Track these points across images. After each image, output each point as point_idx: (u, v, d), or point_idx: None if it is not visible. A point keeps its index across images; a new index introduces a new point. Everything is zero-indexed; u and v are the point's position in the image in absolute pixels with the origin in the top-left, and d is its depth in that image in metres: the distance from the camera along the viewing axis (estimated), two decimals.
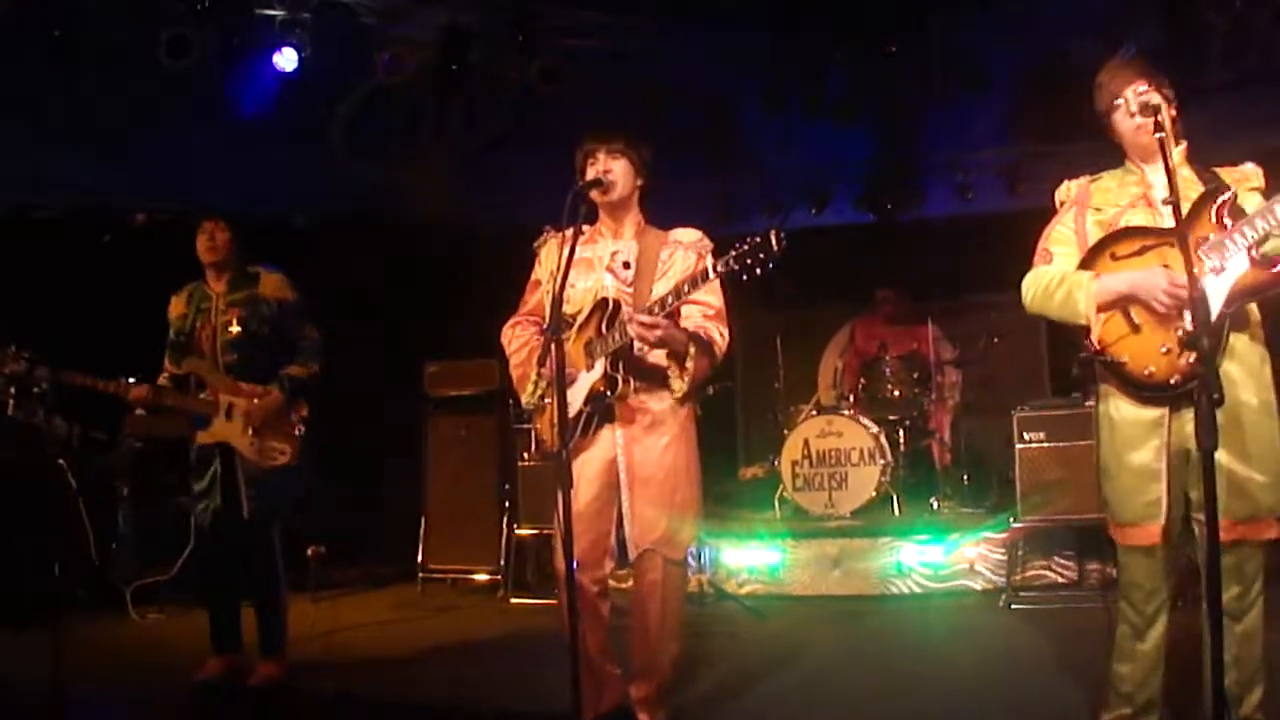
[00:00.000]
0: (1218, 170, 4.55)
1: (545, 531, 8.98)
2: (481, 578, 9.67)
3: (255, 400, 6.70)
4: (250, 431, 6.67)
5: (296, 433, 6.87)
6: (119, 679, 7.06)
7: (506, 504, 9.52)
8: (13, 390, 6.71)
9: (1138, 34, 8.74)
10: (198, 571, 7.63)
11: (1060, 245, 4.72)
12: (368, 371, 10.29)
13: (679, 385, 5.15)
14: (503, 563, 9.48)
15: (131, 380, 6.63)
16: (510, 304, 5.67)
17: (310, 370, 6.93)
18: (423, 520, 9.90)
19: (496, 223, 10.82)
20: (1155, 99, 4.36)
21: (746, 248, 4.57)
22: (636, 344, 5.09)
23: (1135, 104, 4.47)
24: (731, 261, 4.62)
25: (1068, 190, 4.83)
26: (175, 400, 6.74)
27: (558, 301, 4.66)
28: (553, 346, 4.55)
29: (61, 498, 8.60)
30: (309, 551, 9.75)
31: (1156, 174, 4.49)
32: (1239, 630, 4.35)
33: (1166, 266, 4.30)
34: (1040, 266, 4.72)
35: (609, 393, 5.16)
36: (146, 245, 6.55)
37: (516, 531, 9.43)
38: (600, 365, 5.16)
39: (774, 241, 4.50)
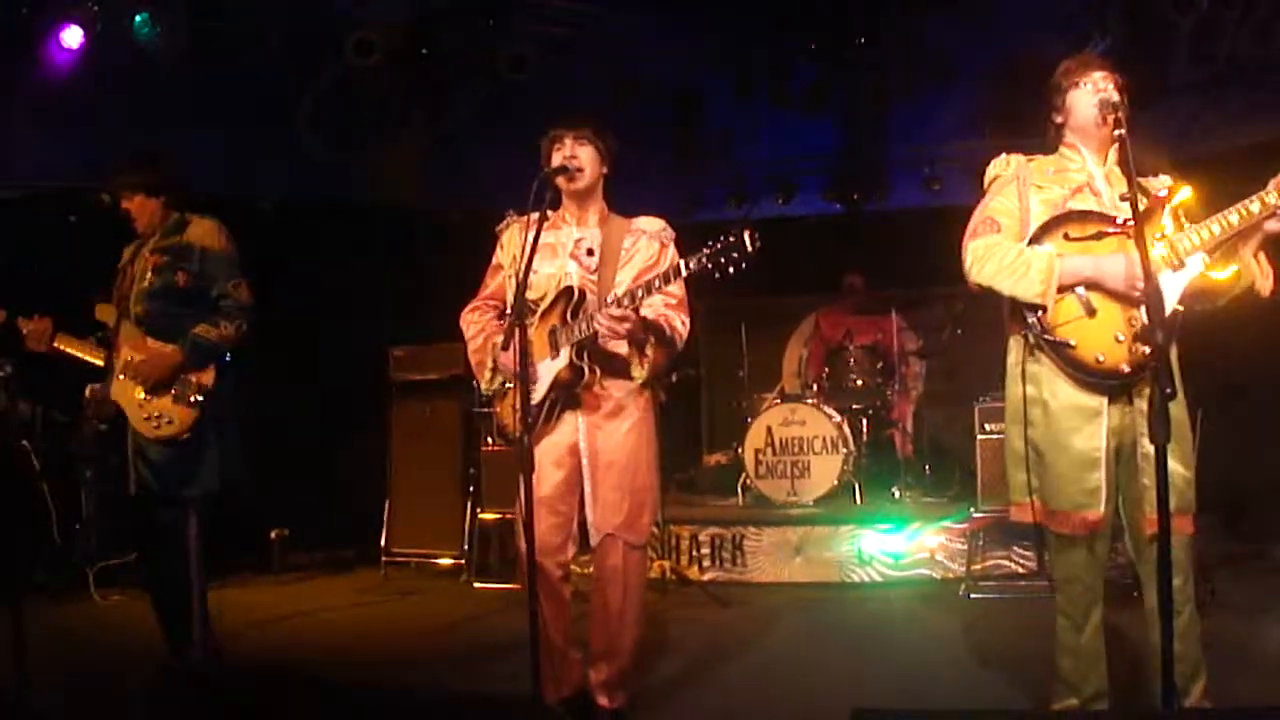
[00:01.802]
0: (1141, 180, 4.59)
1: (508, 516, 8.95)
2: (445, 562, 9.66)
3: (147, 357, 5.97)
4: (142, 394, 5.95)
5: (193, 401, 5.94)
6: (82, 660, 7.03)
7: (470, 488, 9.52)
8: None
9: (1103, 32, 8.80)
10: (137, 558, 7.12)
11: (1006, 218, 4.65)
12: (333, 355, 10.28)
13: (639, 373, 5.20)
14: (466, 547, 9.49)
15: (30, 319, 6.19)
16: (476, 289, 5.68)
17: (223, 333, 6.00)
18: (386, 504, 9.90)
19: (463, 208, 10.83)
20: (1116, 97, 4.41)
21: (720, 246, 4.59)
22: (601, 334, 5.13)
23: (1098, 96, 4.50)
24: (704, 259, 4.65)
25: (1005, 164, 4.79)
26: (69, 344, 6.18)
27: (522, 287, 4.71)
28: (516, 331, 4.58)
29: (24, 480, 8.57)
30: (272, 534, 9.76)
31: (1098, 165, 4.55)
32: (1179, 623, 4.37)
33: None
34: (989, 235, 4.63)
35: (575, 382, 5.19)
36: (113, 226, 6.37)
37: (480, 516, 9.44)
38: (565, 354, 5.17)
39: (747, 241, 4.53)
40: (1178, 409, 4.44)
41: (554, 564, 5.29)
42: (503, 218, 5.57)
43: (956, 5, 9.89)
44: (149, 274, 6.06)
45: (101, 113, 8.95)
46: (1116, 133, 4.22)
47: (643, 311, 5.07)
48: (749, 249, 4.53)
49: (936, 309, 10.89)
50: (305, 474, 10.06)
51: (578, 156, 5.28)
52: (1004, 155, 4.85)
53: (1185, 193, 4.55)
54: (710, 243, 4.63)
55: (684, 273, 4.79)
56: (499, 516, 9.28)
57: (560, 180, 5.24)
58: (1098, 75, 4.58)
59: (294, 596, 8.96)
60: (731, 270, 4.58)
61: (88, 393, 6.20)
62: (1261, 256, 4.39)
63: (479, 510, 9.46)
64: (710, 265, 4.62)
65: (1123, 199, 4.27)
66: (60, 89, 8.80)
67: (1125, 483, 4.50)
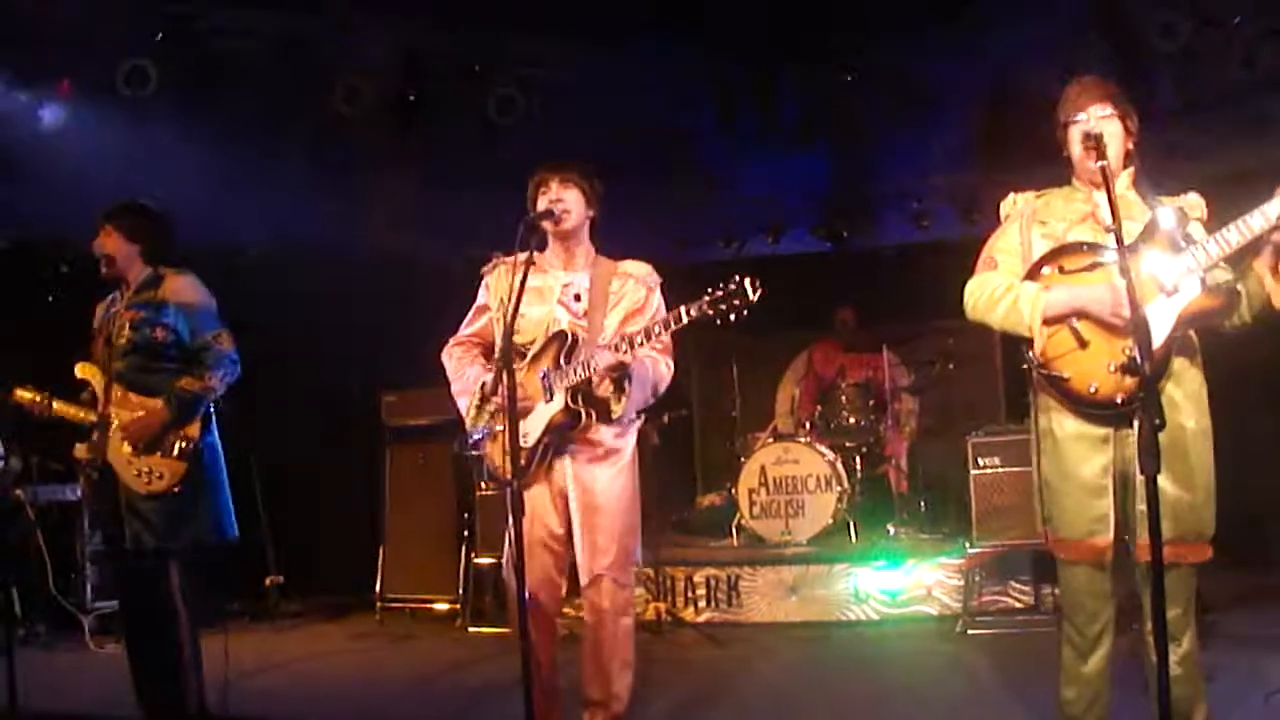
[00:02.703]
0: (1163, 198, 4.61)
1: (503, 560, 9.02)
2: (440, 607, 9.64)
3: (135, 414, 5.93)
4: (128, 449, 5.87)
5: (179, 454, 5.89)
6: (76, 709, 7.01)
7: (465, 533, 9.50)
8: None
9: (1089, 61, 8.82)
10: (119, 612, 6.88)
11: (1006, 255, 4.73)
12: (325, 401, 10.28)
13: (618, 409, 5.25)
14: (461, 592, 9.46)
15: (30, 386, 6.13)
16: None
17: (207, 384, 5.95)
18: (381, 549, 9.87)
19: (454, 253, 10.84)
20: (1096, 129, 4.41)
21: (721, 293, 4.68)
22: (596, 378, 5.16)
23: (1082, 129, 4.52)
24: (705, 306, 4.73)
25: (1013, 203, 4.84)
26: (65, 410, 6.10)
27: (509, 330, 4.73)
28: (504, 375, 4.58)
29: (19, 530, 8.55)
30: (267, 581, 9.73)
31: (1102, 194, 4.52)
32: (1181, 651, 4.38)
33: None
34: (985, 273, 4.73)
35: (571, 425, 5.23)
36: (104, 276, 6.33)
37: (475, 560, 9.42)
38: (560, 398, 5.22)
39: (749, 287, 4.64)
40: (1192, 434, 4.45)
41: (550, 599, 5.38)
42: (489, 260, 5.58)
43: (942, 39, 9.92)
44: (126, 331, 6.00)
45: (92, 161, 8.96)
46: (1099, 164, 4.21)
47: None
48: (750, 296, 4.64)
49: (928, 344, 10.89)
50: (300, 520, 10.04)
51: (563, 200, 5.32)
52: (1012, 194, 4.89)
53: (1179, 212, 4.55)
54: (711, 289, 4.72)
55: (685, 320, 4.85)
56: (494, 560, 9.25)
57: (546, 224, 5.26)
58: (1093, 108, 4.59)
59: (289, 643, 8.94)
60: (733, 317, 4.68)
61: (78, 451, 6.08)
62: None
63: (474, 554, 9.43)
64: (711, 312, 4.72)
65: (1107, 230, 4.26)
66: (51, 137, 8.82)
67: (1128, 510, 4.48)
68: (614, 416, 5.28)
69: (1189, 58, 8.73)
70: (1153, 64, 8.80)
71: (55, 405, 6.18)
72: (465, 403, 5.52)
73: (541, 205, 5.31)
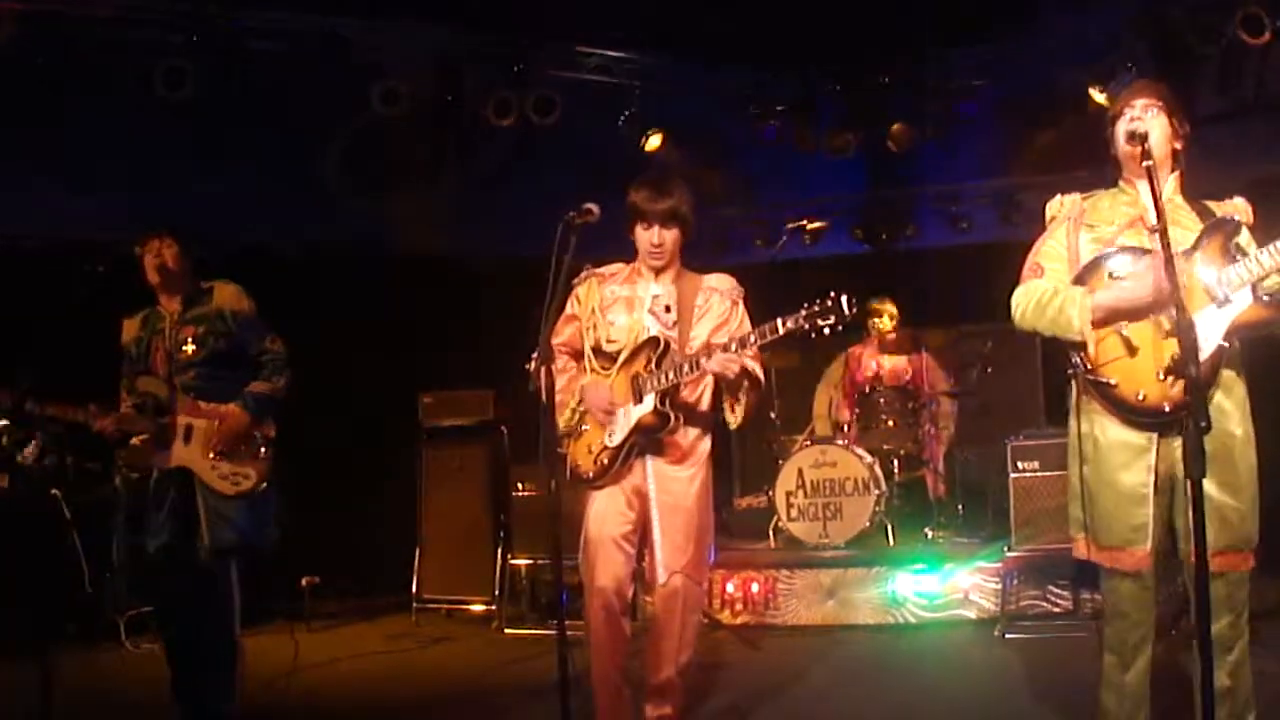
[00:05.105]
0: (1209, 203, 4.55)
1: (539, 561, 9.13)
2: (476, 608, 9.63)
3: (216, 422, 6.09)
4: (212, 455, 6.05)
5: (262, 454, 6.20)
6: (111, 709, 7.04)
7: (501, 534, 9.50)
8: (3, 439, 6.44)
9: (1130, 65, 8.78)
10: (156, 612, 7.13)
11: (1052, 260, 4.67)
12: (363, 402, 10.30)
13: (733, 419, 5.45)
14: (497, 593, 9.46)
15: (95, 407, 6.10)
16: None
17: (275, 386, 6.27)
18: (417, 550, 9.88)
19: (492, 255, 10.85)
20: (1142, 127, 4.35)
21: (817, 308, 4.80)
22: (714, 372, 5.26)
23: (1129, 126, 4.46)
24: (801, 320, 4.85)
25: (1060, 205, 4.78)
26: (142, 427, 6.14)
27: (549, 331, 4.83)
28: (543, 372, 4.76)
29: (56, 530, 8.57)
30: (303, 582, 9.72)
31: (1147, 189, 4.47)
32: (1231, 660, 4.32)
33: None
34: (1032, 280, 4.67)
35: (659, 427, 5.36)
36: (139, 277, 6.34)
37: (511, 562, 9.42)
38: (650, 400, 5.35)
39: (845, 306, 4.75)
40: (1240, 441, 4.41)
41: (619, 598, 5.46)
42: (581, 271, 5.64)
43: (983, 43, 9.88)
44: (189, 344, 6.17)
45: (130, 163, 9.00)
46: (1145, 163, 4.17)
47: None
48: (846, 314, 4.75)
49: (967, 347, 10.82)
50: (336, 521, 10.05)
51: (664, 244, 5.46)
52: (1059, 196, 4.84)
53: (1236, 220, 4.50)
54: (808, 304, 4.84)
55: (781, 331, 4.95)
56: (530, 562, 9.28)
57: (654, 260, 5.50)
58: (1139, 103, 4.54)
59: (325, 644, 8.92)
60: (827, 332, 4.81)
61: (135, 441, 6.17)
62: None
63: (510, 556, 9.43)
64: (807, 325, 4.83)
65: (1152, 231, 4.20)
66: (88, 139, 8.86)
67: (1177, 517, 4.44)
68: (730, 424, 5.47)
69: (1230, 61, 8.67)
70: (1194, 67, 8.75)
71: (123, 423, 6.20)
72: (561, 407, 5.61)
73: (642, 241, 5.47)
